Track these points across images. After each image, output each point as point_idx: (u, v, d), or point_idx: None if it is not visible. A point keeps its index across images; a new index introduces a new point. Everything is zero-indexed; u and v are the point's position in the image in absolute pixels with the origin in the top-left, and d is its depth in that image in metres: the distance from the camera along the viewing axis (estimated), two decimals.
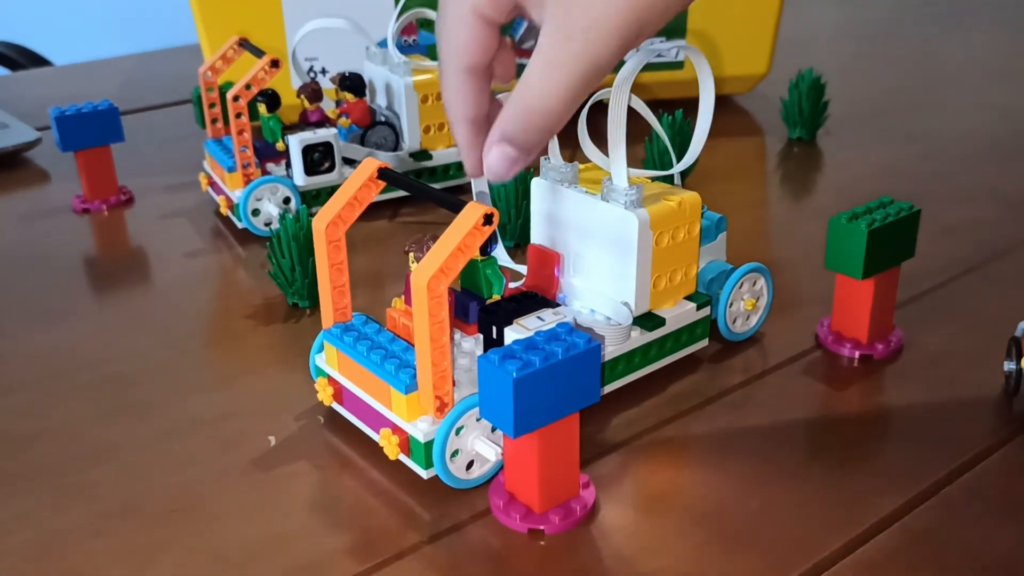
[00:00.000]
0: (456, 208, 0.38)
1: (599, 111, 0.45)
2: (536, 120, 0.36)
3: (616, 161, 0.45)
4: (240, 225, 0.65)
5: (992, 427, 0.45)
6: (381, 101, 0.72)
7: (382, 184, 0.42)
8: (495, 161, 0.37)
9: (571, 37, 0.33)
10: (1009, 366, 0.47)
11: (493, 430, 0.41)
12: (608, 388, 0.47)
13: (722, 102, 0.91)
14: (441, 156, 0.70)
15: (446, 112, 0.40)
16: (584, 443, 0.43)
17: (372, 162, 0.42)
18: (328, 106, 0.71)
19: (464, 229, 0.37)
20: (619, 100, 0.44)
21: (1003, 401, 0.47)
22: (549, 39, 0.34)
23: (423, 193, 0.41)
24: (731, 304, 0.51)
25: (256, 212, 0.64)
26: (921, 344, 0.52)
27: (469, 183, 0.49)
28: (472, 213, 0.37)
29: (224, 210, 0.67)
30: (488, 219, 0.37)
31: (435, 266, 0.37)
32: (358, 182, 0.42)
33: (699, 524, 0.40)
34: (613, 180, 0.45)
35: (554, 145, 0.48)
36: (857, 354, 0.51)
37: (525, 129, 0.36)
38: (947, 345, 0.52)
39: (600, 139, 0.46)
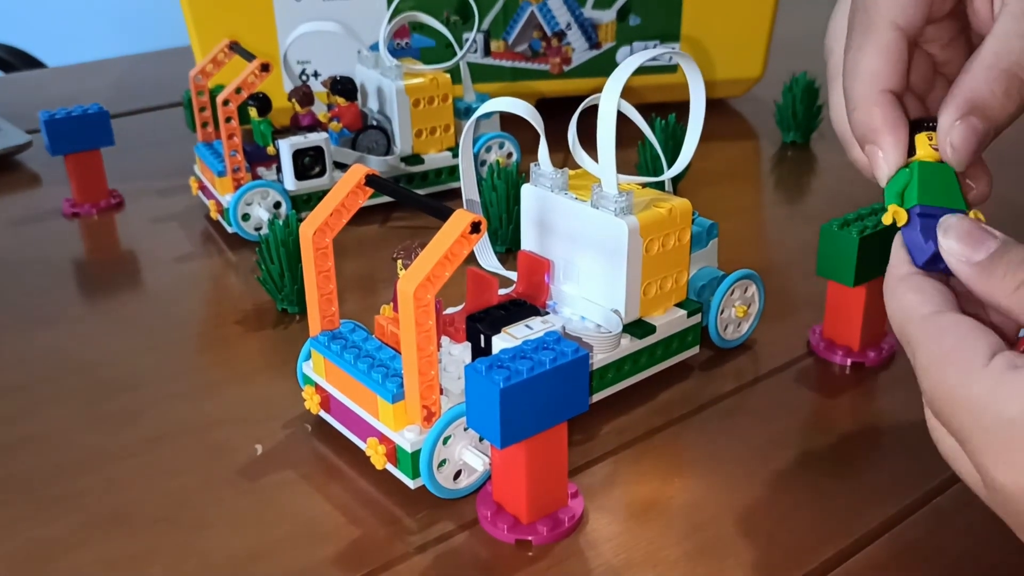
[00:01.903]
0: (443, 216, 0.38)
1: (590, 116, 0.45)
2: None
3: (606, 168, 0.44)
4: (230, 230, 0.65)
5: None
6: (373, 105, 0.72)
7: (370, 191, 0.42)
8: (961, 139, 0.32)
9: None
10: None
11: (481, 439, 0.41)
12: (598, 396, 0.46)
13: (716, 105, 0.91)
14: (433, 160, 0.70)
15: (852, 82, 0.34)
16: (573, 452, 0.43)
17: (360, 169, 0.42)
18: (319, 110, 0.70)
19: (451, 237, 0.37)
20: (609, 106, 0.43)
21: None
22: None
23: (410, 200, 0.40)
24: (722, 311, 0.50)
25: (246, 217, 0.64)
26: None
27: (460, 188, 0.49)
28: (459, 221, 0.37)
29: (214, 214, 0.66)
30: (476, 227, 0.37)
31: (422, 274, 0.37)
32: (346, 189, 0.42)
33: (689, 534, 0.39)
34: (603, 187, 0.45)
35: (544, 151, 0.48)
36: (849, 361, 0.50)
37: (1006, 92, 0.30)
38: None
39: (591, 145, 0.46)
